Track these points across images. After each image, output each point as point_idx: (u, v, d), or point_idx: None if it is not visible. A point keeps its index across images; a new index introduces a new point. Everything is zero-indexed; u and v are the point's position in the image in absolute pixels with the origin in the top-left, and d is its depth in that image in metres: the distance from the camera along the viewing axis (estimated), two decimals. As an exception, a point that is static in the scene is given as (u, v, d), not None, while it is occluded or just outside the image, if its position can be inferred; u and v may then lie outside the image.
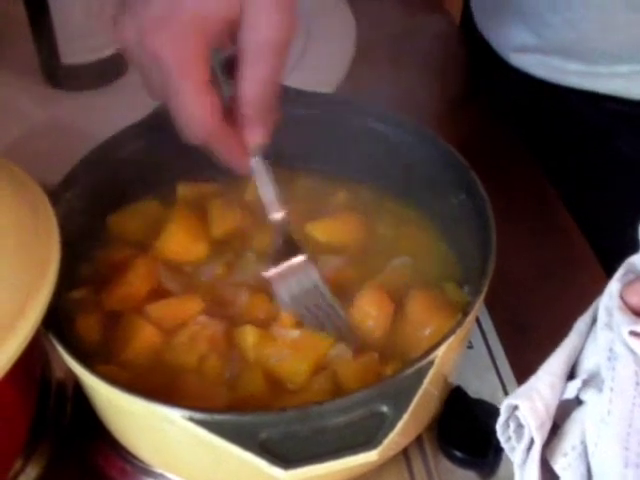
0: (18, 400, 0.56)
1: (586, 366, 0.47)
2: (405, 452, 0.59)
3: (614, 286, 0.46)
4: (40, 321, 0.49)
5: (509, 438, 0.50)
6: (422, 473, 0.59)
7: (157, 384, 0.55)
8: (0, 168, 0.58)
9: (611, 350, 0.45)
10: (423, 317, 0.58)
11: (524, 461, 0.49)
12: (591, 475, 0.46)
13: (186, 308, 0.59)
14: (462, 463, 0.59)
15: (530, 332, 0.69)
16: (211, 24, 0.51)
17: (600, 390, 0.45)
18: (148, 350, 0.57)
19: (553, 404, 0.46)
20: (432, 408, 0.58)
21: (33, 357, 0.58)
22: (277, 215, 0.58)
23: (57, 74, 0.86)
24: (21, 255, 0.51)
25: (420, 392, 0.48)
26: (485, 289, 0.54)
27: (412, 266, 0.63)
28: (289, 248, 0.60)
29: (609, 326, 0.45)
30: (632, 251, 0.76)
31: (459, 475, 0.58)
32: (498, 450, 0.58)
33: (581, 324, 0.49)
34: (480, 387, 0.63)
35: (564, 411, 0.47)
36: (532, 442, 0.47)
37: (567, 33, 0.79)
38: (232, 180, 0.64)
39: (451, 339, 0.51)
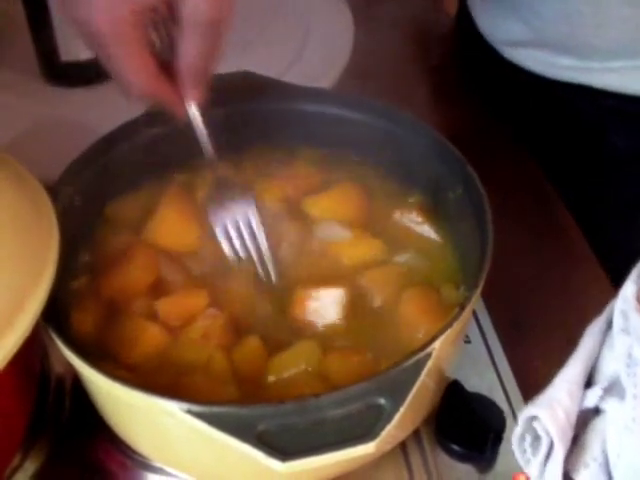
0: (17, 394, 0.56)
1: (604, 373, 0.46)
2: (403, 446, 0.59)
3: (629, 289, 0.45)
4: (39, 315, 0.49)
5: (524, 451, 0.49)
6: (420, 467, 0.59)
7: (163, 383, 0.55)
8: (1, 164, 0.58)
9: (630, 356, 0.43)
10: (417, 318, 0.58)
11: (542, 473, 0.48)
12: None
13: (192, 303, 0.59)
14: (459, 457, 0.59)
15: (527, 327, 0.70)
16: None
17: (622, 398, 0.43)
18: (155, 350, 0.57)
19: (574, 412, 0.45)
20: (429, 401, 0.58)
21: (32, 351, 0.58)
22: (209, 155, 0.61)
23: (56, 71, 0.86)
24: (20, 249, 0.51)
25: (417, 385, 0.48)
26: (482, 283, 0.54)
27: (412, 261, 0.63)
28: (227, 188, 0.62)
29: (626, 331, 0.44)
30: (628, 245, 0.76)
31: (457, 469, 0.59)
32: (495, 444, 0.58)
33: (595, 329, 0.48)
34: (477, 382, 0.63)
35: (582, 421, 0.47)
36: (549, 454, 0.46)
37: (561, 27, 0.80)
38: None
39: (448, 332, 0.51)
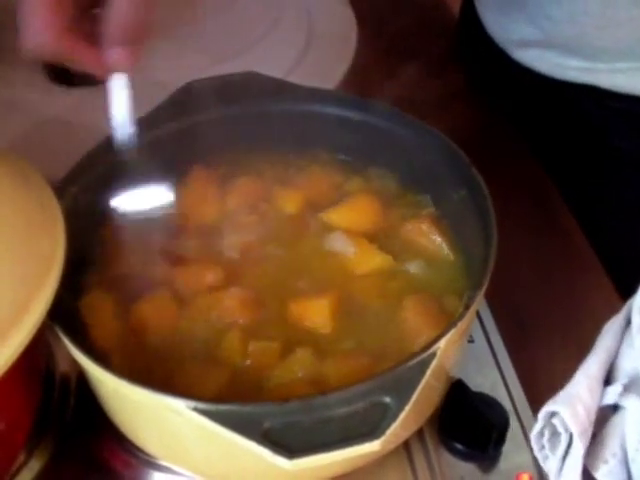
0: (23, 393, 0.56)
1: (624, 370, 0.46)
2: (406, 445, 0.60)
3: None
4: (45, 313, 0.49)
5: (542, 447, 0.49)
6: (423, 466, 0.59)
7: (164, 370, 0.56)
8: (6, 162, 0.59)
9: None
10: (418, 324, 0.58)
11: (560, 470, 0.48)
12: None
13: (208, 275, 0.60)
14: (463, 456, 0.59)
15: (530, 327, 0.70)
16: None
17: None
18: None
19: (593, 408, 0.46)
20: (433, 401, 0.59)
21: (38, 350, 0.58)
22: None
23: (61, 70, 0.86)
24: (27, 248, 0.52)
25: (422, 384, 0.48)
26: (486, 282, 0.54)
27: (417, 270, 0.63)
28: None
29: None
30: (631, 247, 0.76)
31: (460, 467, 0.59)
32: (498, 443, 0.59)
33: (614, 326, 0.48)
34: (481, 381, 0.63)
35: (601, 418, 0.47)
36: (568, 450, 0.46)
37: (569, 28, 0.80)
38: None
39: (453, 331, 0.51)
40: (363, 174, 0.69)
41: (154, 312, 0.59)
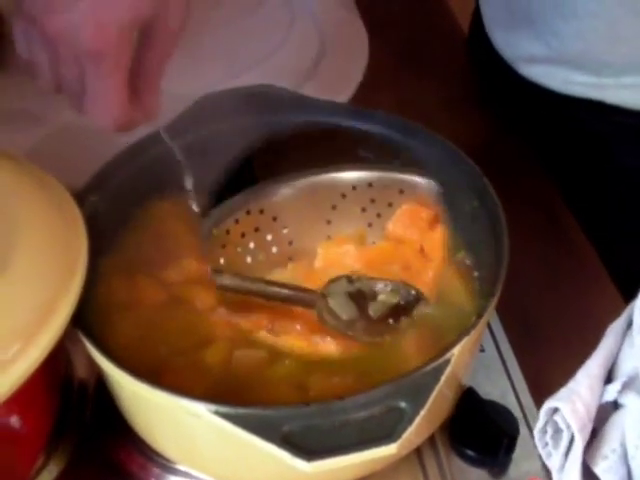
0: (44, 397, 0.58)
1: (624, 370, 0.47)
2: (419, 451, 0.61)
3: None
4: (70, 316, 0.51)
5: (546, 444, 0.50)
6: (435, 472, 0.60)
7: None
8: (25, 171, 0.60)
9: None
10: (414, 356, 0.58)
11: (562, 466, 0.49)
12: (631, 477, 0.46)
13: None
14: (473, 462, 0.60)
15: (539, 336, 0.71)
16: (140, 19, 0.54)
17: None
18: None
19: (593, 406, 0.47)
20: (445, 408, 0.60)
21: (58, 356, 0.59)
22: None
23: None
24: (51, 255, 0.53)
25: (437, 389, 0.49)
26: (499, 293, 0.55)
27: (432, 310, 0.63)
28: None
29: None
30: (636, 258, 0.77)
31: (471, 473, 0.60)
32: (508, 449, 0.60)
33: (616, 327, 0.49)
34: (491, 389, 0.64)
35: (602, 415, 0.48)
36: (570, 447, 0.47)
37: (575, 43, 0.81)
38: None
39: (466, 339, 0.52)
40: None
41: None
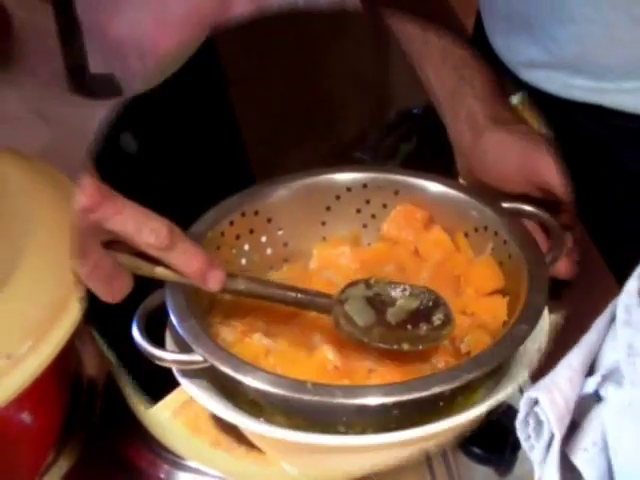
0: (55, 394, 0.58)
1: (605, 363, 0.48)
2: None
3: (632, 284, 0.47)
4: (81, 315, 0.51)
5: (528, 437, 0.51)
6: (442, 469, 0.60)
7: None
8: (38, 170, 0.61)
9: (631, 346, 0.45)
10: None
11: (544, 459, 0.49)
12: (612, 471, 0.47)
13: None
14: (480, 460, 0.60)
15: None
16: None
17: (620, 385, 0.46)
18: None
19: (572, 398, 0.47)
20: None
21: (69, 354, 0.60)
22: None
23: (85, 83, 0.88)
24: (62, 253, 0.53)
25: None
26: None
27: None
28: None
29: (628, 323, 0.46)
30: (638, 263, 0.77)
31: (477, 471, 0.60)
32: (514, 448, 0.60)
33: (600, 322, 0.50)
34: (497, 387, 0.64)
35: (584, 408, 0.48)
36: (551, 440, 0.48)
37: (573, 48, 0.80)
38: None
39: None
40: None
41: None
